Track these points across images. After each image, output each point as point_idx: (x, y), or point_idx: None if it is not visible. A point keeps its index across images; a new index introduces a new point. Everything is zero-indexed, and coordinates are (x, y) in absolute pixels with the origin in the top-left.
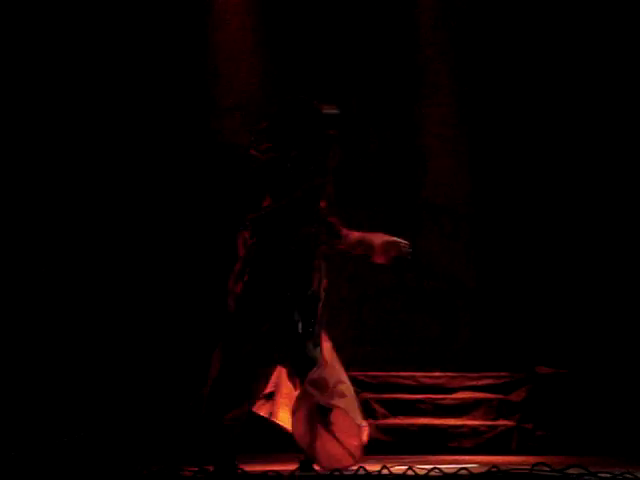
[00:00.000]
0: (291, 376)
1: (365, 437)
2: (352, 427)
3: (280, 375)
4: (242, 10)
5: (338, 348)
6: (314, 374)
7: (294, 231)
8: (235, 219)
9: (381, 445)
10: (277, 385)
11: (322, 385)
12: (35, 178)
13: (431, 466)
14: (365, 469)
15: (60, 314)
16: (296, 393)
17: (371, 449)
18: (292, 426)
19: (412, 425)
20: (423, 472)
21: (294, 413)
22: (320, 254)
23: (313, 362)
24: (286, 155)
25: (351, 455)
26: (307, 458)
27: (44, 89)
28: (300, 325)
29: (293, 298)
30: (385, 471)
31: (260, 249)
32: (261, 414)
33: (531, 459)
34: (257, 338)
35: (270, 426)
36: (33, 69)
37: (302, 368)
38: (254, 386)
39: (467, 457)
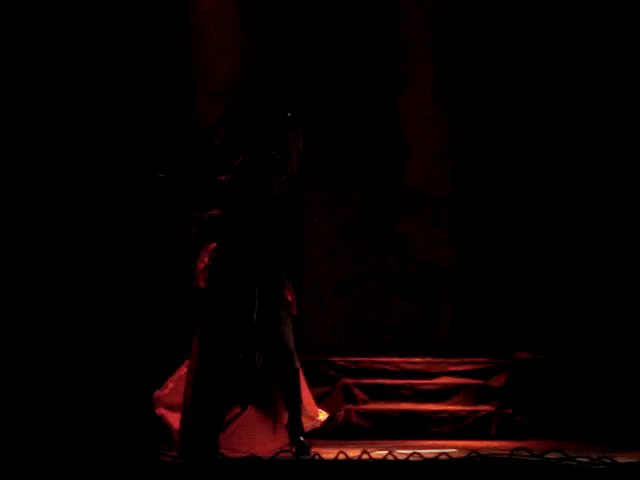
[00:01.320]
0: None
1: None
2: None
3: None
4: None
5: (320, 333)
6: None
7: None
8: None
9: (361, 430)
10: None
11: None
12: (21, 175)
13: (411, 451)
14: (345, 455)
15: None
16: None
17: (352, 434)
18: None
19: (392, 410)
20: (403, 457)
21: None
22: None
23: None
24: (246, 141)
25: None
26: None
27: (20, 79)
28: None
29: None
30: (365, 456)
31: (223, 247)
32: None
33: (510, 444)
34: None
35: None
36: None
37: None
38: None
39: (447, 442)
